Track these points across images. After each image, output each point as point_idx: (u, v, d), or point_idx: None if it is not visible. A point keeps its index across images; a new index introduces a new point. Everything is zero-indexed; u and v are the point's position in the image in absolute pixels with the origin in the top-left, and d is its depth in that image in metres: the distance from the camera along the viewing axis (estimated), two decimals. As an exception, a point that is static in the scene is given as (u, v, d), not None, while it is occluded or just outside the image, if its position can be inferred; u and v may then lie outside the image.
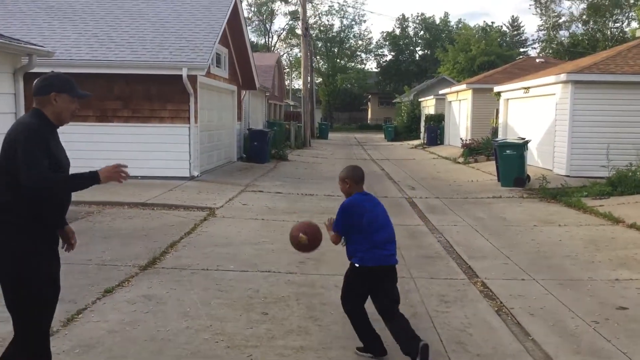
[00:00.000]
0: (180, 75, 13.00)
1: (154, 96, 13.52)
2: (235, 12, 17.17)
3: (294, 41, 70.63)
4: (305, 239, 4.28)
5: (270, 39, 74.05)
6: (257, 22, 72.15)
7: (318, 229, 4.37)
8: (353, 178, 4.36)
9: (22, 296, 3.12)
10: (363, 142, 37.72)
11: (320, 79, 69.73)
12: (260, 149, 19.36)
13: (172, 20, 15.33)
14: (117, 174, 3.27)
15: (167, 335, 4.56)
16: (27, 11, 15.58)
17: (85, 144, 12.77)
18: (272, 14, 73.06)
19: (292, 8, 68.77)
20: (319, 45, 70.59)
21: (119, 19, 15.26)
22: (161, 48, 13.79)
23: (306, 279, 6.25)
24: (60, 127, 3.34)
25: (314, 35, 62.63)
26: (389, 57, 74.27)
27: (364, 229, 4.17)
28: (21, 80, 8.89)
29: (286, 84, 53.44)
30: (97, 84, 13.02)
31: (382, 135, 44.12)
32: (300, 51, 51.68)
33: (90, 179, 3.22)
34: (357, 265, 4.22)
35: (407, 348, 3.99)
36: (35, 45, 9.30)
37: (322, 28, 70.84)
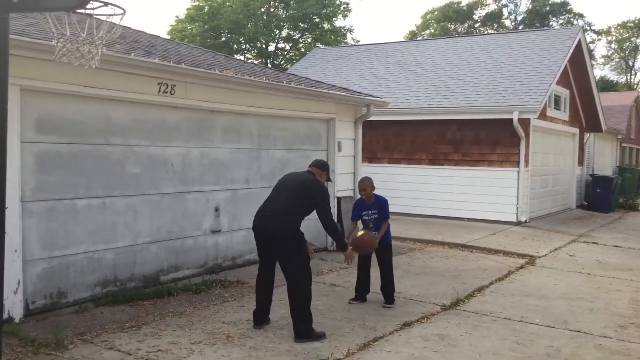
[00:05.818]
0: (511, 119, 12.88)
1: (483, 140, 13.69)
2: (579, 52, 16.17)
3: (662, 76, 61.96)
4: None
5: (632, 77, 66.62)
6: (617, 59, 65.90)
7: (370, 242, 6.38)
8: (372, 186, 6.56)
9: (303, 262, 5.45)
10: None
11: (696, 118, 59.22)
12: (603, 196, 17.52)
13: (508, 65, 15.32)
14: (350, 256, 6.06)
15: (448, 376, 4.56)
16: (378, 67, 17.67)
17: (417, 185, 13.92)
18: (635, 50, 65.76)
19: (661, 40, 60.75)
20: (697, 79, 60.25)
21: (457, 68, 15.99)
22: (494, 93, 13.90)
23: (622, 346, 5.42)
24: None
25: (688, 68, 53.76)
26: None
27: None
28: (360, 128, 10.15)
29: (649, 125, 46.96)
30: (431, 129, 13.98)
31: None
32: (668, 87, 44.96)
33: (341, 245, 5.94)
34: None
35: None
36: (373, 96, 10.52)
37: (701, 59, 60.40)
